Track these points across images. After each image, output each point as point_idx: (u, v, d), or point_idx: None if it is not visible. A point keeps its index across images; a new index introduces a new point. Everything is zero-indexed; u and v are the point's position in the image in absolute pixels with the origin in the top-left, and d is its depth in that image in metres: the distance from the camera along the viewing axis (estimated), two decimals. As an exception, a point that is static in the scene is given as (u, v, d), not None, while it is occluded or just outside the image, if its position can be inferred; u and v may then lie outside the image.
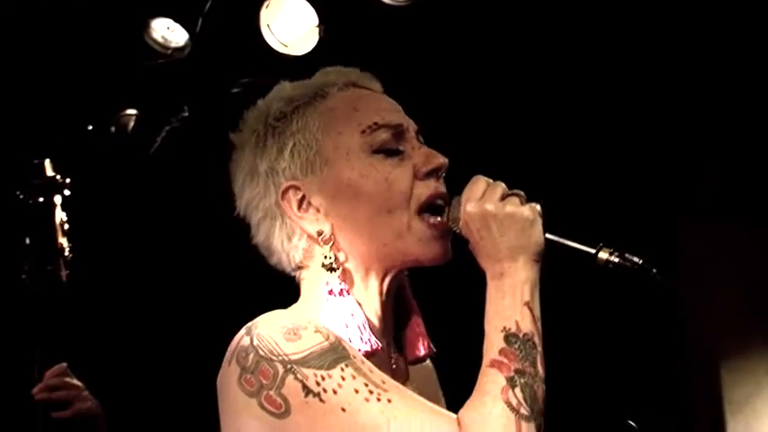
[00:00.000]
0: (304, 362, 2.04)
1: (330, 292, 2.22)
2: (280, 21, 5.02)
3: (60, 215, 3.85)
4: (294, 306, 2.29)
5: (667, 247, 5.63)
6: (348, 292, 2.23)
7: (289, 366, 2.03)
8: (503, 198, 2.18)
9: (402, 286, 2.37)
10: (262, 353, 2.06)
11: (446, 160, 2.28)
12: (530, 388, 2.05)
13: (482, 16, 5.43)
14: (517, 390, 2.03)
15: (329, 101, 2.29)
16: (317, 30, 4.99)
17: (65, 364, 3.74)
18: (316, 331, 2.09)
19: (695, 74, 5.47)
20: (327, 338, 2.09)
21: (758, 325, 5.82)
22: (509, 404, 2.01)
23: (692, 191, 6.01)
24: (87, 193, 4.01)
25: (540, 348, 2.11)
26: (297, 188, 2.25)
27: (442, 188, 2.27)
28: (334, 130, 2.26)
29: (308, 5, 5.01)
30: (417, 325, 2.37)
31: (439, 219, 2.26)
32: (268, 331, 2.09)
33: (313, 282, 2.28)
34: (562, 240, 2.22)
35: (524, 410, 2.02)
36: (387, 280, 2.29)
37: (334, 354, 2.06)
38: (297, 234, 2.28)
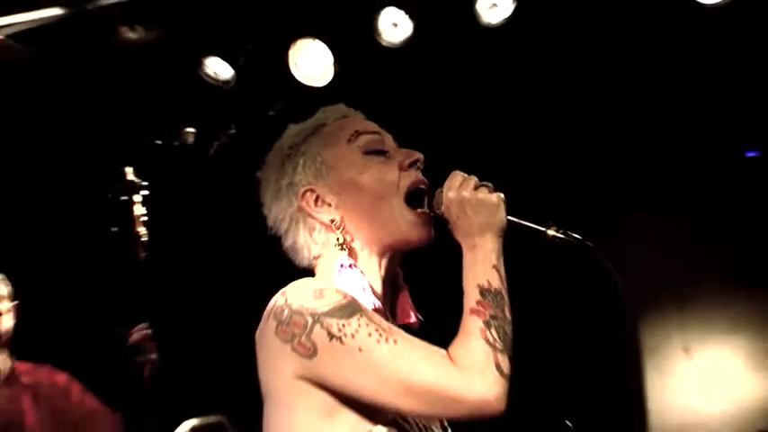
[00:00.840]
0: (328, 314, 2.04)
1: (341, 266, 2.22)
2: (304, 59, 4.96)
3: (139, 210, 3.89)
4: (314, 278, 2.26)
5: (606, 218, 5.64)
6: (355, 265, 2.23)
7: (316, 318, 2.04)
8: (476, 188, 2.21)
9: (396, 273, 2.34)
10: (294, 308, 2.06)
11: (422, 155, 2.29)
12: (502, 329, 2.08)
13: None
14: (492, 330, 2.06)
15: (327, 128, 2.32)
16: (333, 67, 4.94)
17: (146, 324, 3.82)
18: (336, 291, 2.10)
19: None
20: (345, 297, 2.09)
21: (670, 288, 5.70)
22: (487, 340, 2.04)
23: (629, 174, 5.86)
24: (159, 193, 4.00)
25: (506, 300, 2.15)
26: (312, 190, 2.25)
27: (421, 176, 2.28)
28: (332, 145, 2.28)
29: (326, 48, 4.96)
30: (407, 300, 2.36)
31: (423, 210, 2.26)
32: (299, 293, 2.10)
33: (327, 263, 2.26)
34: (520, 221, 2.24)
35: (499, 345, 2.05)
36: (384, 259, 2.29)
37: (351, 308, 2.07)
38: (316, 229, 2.27)
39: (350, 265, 2.22)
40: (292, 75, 4.97)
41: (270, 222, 2.33)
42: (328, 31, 4.97)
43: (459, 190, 2.21)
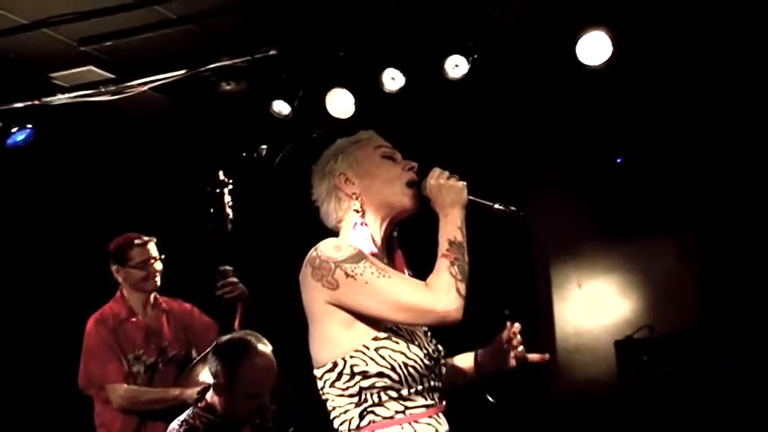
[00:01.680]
0: (344, 261, 2.10)
1: (355, 225, 2.26)
2: (335, 100, 4.92)
3: (227, 199, 3.94)
4: (336, 238, 2.25)
5: (522, 171, 5.58)
6: (365, 224, 2.26)
7: (336, 264, 2.10)
8: (448, 177, 2.25)
9: (393, 236, 2.35)
10: (323, 258, 2.12)
11: (416, 164, 2.33)
12: (462, 267, 2.12)
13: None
14: (455, 267, 2.10)
15: (362, 141, 2.35)
16: (354, 105, 4.91)
17: (230, 268, 3.83)
18: (349, 246, 2.15)
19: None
20: (355, 249, 2.14)
21: (567, 240, 5.62)
22: (451, 273, 2.09)
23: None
24: (241, 189, 4.03)
25: (465, 249, 2.16)
26: (344, 174, 2.28)
27: (415, 176, 2.30)
28: (363, 150, 2.31)
29: (349, 93, 4.90)
30: (401, 259, 2.36)
31: (414, 189, 2.29)
32: (325, 248, 2.14)
33: (347, 224, 2.28)
34: (476, 199, 2.27)
35: (459, 277, 2.09)
36: (385, 223, 2.30)
37: (360, 256, 2.12)
38: (342, 200, 2.29)
39: (362, 224, 2.25)
40: (327, 111, 4.94)
41: (314, 196, 2.35)
42: (351, 83, 4.89)
43: (438, 179, 2.25)
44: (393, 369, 2.11)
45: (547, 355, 2.47)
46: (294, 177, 5.46)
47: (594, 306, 5.69)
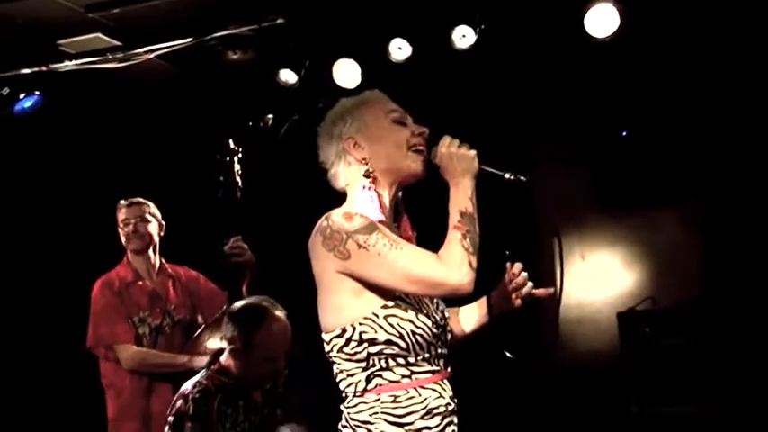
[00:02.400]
0: (356, 232, 2.10)
1: (364, 187, 2.25)
2: (342, 71, 4.95)
3: (236, 166, 3.94)
4: (346, 204, 2.28)
5: (527, 142, 5.52)
6: (374, 189, 2.25)
7: (348, 234, 2.10)
8: (459, 146, 2.24)
9: (398, 199, 2.34)
10: (334, 228, 2.12)
11: (427, 129, 2.31)
12: (473, 239, 2.11)
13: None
14: (467, 240, 2.10)
15: (370, 101, 2.32)
16: (360, 75, 4.93)
17: (239, 237, 3.82)
18: (360, 216, 2.14)
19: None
20: (367, 219, 2.14)
21: (571, 212, 5.52)
22: (463, 246, 2.09)
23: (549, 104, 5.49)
24: (249, 156, 4.01)
25: (476, 220, 2.15)
26: (353, 138, 2.26)
27: (424, 142, 2.29)
28: (372, 114, 2.28)
29: (355, 63, 4.92)
30: (406, 221, 2.36)
31: (423, 154, 2.28)
32: (336, 218, 2.14)
33: (354, 188, 2.27)
34: (487, 168, 2.26)
35: (471, 250, 2.09)
36: (392, 188, 2.30)
37: (372, 227, 2.12)
38: (351, 164, 2.27)
39: (369, 187, 2.25)
40: (334, 81, 4.96)
41: (321, 158, 2.34)
42: (358, 52, 4.93)
43: (449, 147, 2.24)
44: (401, 337, 2.12)
45: (551, 290, 2.51)
46: (301, 147, 5.57)
47: (597, 278, 5.66)
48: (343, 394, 2.21)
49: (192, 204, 4.92)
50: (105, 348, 4.04)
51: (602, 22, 4.50)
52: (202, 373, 3.38)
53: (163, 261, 4.26)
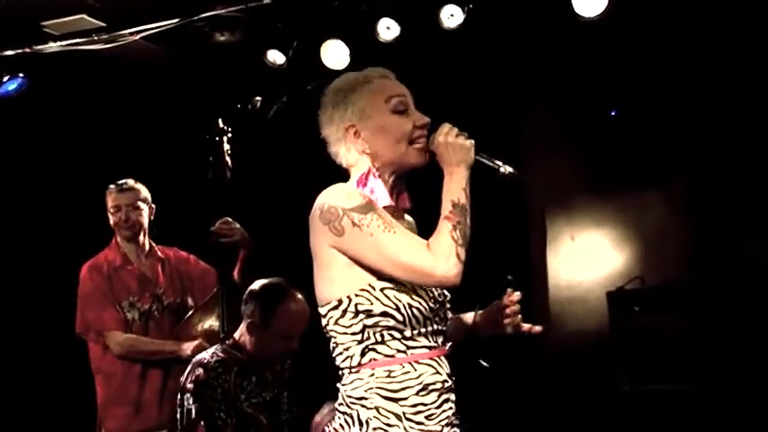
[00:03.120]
0: (352, 210, 2.10)
1: (372, 175, 2.23)
2: (330, 51, 4.91)
3: (226, 146, 3.94)
4: (348, 183, 2.26)
5: (515, 122, 5.50)
6: (377, 177, 2.23)
7: (345, 211, 2.10)
8: (457, 135, 2.21)
9: (401, 188, 2.31)
10: (332, 204, 2.11)
11: (428, 119, 2.27)
12: (463, 231, 2.10)
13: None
14: (457, 231, 2.09)
15: (372, 84, 2.26)
16: (349, 56, 4.88)
17: (229, 218, 3.80)
18: (359, 195, 2.15)
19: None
20: (365, 198, 2.14)
21: (560, 195, 5.58)
22: (453, 237, 2.08)
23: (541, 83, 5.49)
24: (238, 137, 4.01)
25: (468, 212, 2.14)
26: (353, 126, 2.23)
27: (425, 134, 2.24)
28: (373, 101, 2.23)
29: (343, 44, 4.89)
30: (405, 198, 2.31)
31: (422, 146, 2.24)
32: (335, 194, 2.15)
33: (357, 172, 2.26)
34: (483, 159, 2.24)
35: (460, 241, 2.08)
36: (393, 177, 2.27)
37: (369, 207, 2.12)
38: (351, 151, 2.25)
39: (376, 175, 2.24)
40: (322, 62, 4.92)
41: (323, 133, 2.31)
42: (346, 32, 4.89)
43: (446, 136, 2.21)
44: (397, 309, 2.12)
45: (539, 328, 2.43)
46: (288, 129, 5.50)
47: (587, 258, 5.68)
48: (340, 372, 2.21)
49: (181, 185, 4.89)
50: (95, 333, 4.00)
51: (590, 1, 4.48)
52: (217, 346, 3.43)
53: (152, 243, 4.20)
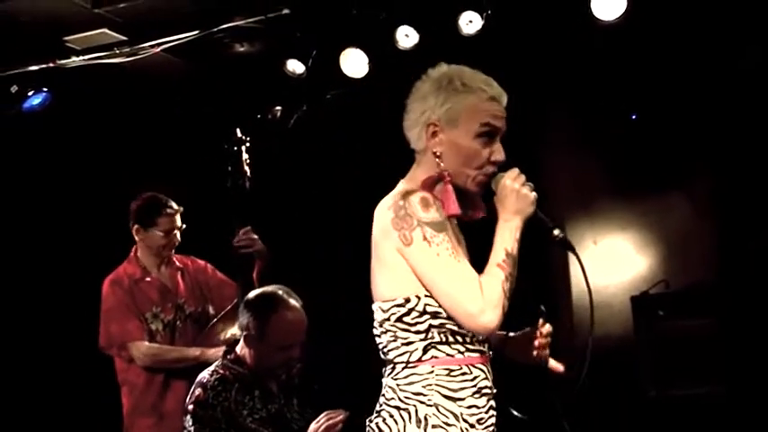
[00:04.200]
0: (427, 224, 2.09)
1: (445, 181, 2.20)
2: (349, 60, 4.90)
3: (245, 156, 3.94)
4: (412, 178, 2.25)
5: (536, 127, 5.35)
6: (450, 183, 2.21)
7: (419, 222, 2.09)
8: (523, 183, 2.19)
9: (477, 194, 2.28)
10: (409, 211, 2.10)
11: (504, 158, 2.24)
12: (512, 284, 2.11)
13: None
14: (508, 283, 2.09)
15: (480, 98, 2.21)
16: (368, 65, 4.87)
17: (249, 227, 3.85)
18: (437, 210, 2.13)
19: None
20: (441, 216, 2.13)
21: (582, 198, 5.53)
22: (503, 289, 2.08)
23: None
24: (257, 146, 4.03)
25: (517, 263, 2.14)
26: (437, 125, 2.20)
27: (495, 171, 2.22)
28: (470, 117, 2.19)
29: (362, 53, 4.88)
30: (480, 207, 2.30)
31: (485, 179, 2.22)
32: (414, 201, 2.11)
33: (428, 171, 2.24)
34: (541, 215, 2.23)
35: (507, 294, 2.09)
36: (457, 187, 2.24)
37: (443, 226, 2.11)
38: (422, 140, 2.23)
39: (447, 181, 2.21)
40: (341, 70, 4.91)
41: (409, 100, 2.27)
42: (364, 41, 4.86)
43: (514, 182, 2.19)
44: None
45: (562, 368, 2.46)
46: (308, 138, 5.50)
47: (610, 263, 5.61)
48: (391, 366, 2.20)
49: (201, 195, 4.88)
50: (118, 348, 4.03)
51: (608, 4, 4.46)
52: (218, 362, 3.39)
53: (170, 253, 4.22)
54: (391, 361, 2.20)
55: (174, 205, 4.14)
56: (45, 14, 4.46)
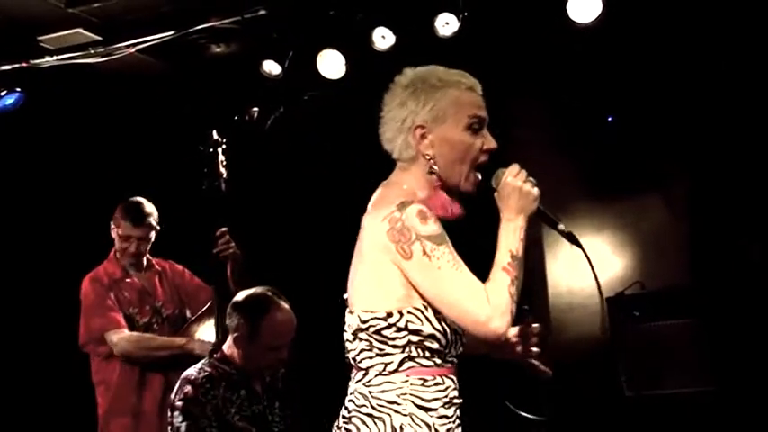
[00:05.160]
0: (427, 237, 2.05)
1: (435, 187, 2.20)
2: (326, 61, 4.91)
3: (221, 157, 3.91)
4: (405, 187, 2.20)
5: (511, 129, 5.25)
6: (441, 188, 2.21)
7: (418, 237, 2.04)
8: (525, 180, 2.17)
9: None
10: (407, 224, 2.05)
11: (496, 145, 2.22)
12: (518, 288, 2.08)
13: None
14: (514, 287, 2.06)
15: (460, 90, 2.20)
16: (345, 66, 4.88)
17: (226, 229, 3.83)
18: (435, 222, 2.08)
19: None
20: (439, 228, 2.08)
21: (558, 200, 5.56)
22: (510, 293, 2.05)
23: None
24: (234, 148, 4.00)
25: (522, 264, 2.11)
26: (423, 127, 2.17)
27: (486, 160, 2.22)
28: (455, 111, 2.18)
29: (339, 54, 4.89)
30: (458, 205, 2.23)
31: (480, 177, 2.21)
32: (412, 213, 2.06)
33: (417, 176, 2.21)
34: (546, 211, 2.21)
35: (515, 298, 2.06)
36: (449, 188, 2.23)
37: (442, 238, 2.07)
38: (410, 147, 2.19)
39: (437, 187, 2.21)
40: (318, 72, 4.92)
41: (383, 114, 2.24)
42: (341, 42, 4.88)
43: (516, 179, 2.16)
44: (444, 334, 2.12)
45: (550, 372, 2.47)
46: (285, 140, 5.48)
47: (586, 264, 5.59)
48: (362, 372, 2.17)
49: (176, 197, 4.86)
50: (96, 342, 4.00)
51: (584, 7, 4.50)
52: (205, 361, 3.41)
53: (149, 256, 4.23)
54: (363, 368, 2.16)
55: (137, 213, 4.09)
56: (19, 14, 4.46)
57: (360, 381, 2.17)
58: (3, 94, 4.80)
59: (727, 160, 5.14)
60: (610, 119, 5.54)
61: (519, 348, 2.43)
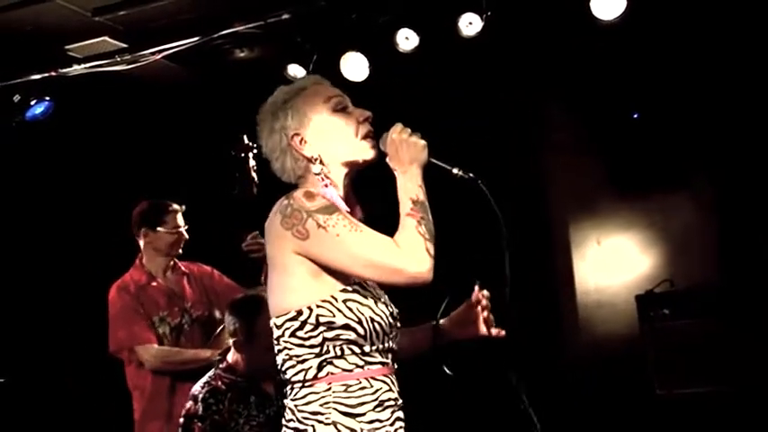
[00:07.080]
0: (317, 211, 2.04)
1: (325, 185, 2.18)
2: (349, 64, 4.92)
3: (251, 162, 3.88)
4: (305, 189, 2.14)
5: (537, 128, 5.49)
6: (332, 185, 2.20)
7: (309, 213, 2.04)
8: (410, 134, 2.17)
9: (350, 191, 2.26)
10: (295, 207, 2.05)
11: (370, 113, 2.25)
12: (428, 226, 2.07)
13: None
14: (422, 227, 2.05)
15: (307, 90, 2.26)
16: (369, 68, 4.87)
17: (257, 232, 3.75)
18: (321, 197, 2.09)
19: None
20: (328, 200, 2.10)
21: (585, 199, 5.53)
22: (419, 233, 2.05)
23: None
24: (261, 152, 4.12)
25: (428, 207, 2.11)
26: (298, 134, 2.20)
27: (371, 127, 2.23)
28: (312, 104, 2.23)
29: (363, 56, 4.90)
30: (353, 200, 2.26)
31: (373, 142, 2.21)
32: (298, 196, 2.08)
33: (307, 181, 2.22)
34: (436, 161, 2.21)
35: (427, 236, 2.05)
36: (346, 178, 2.24)
37: (332, 208, 2.07)
38: (300, 159, 2.20)
39: (327, 184, 2.19)
40: (342, 74, 4.92)
41: (264, 150, 2.28)
42: (364, 44, 4.89)
43: (400, 134, 2.18)
44: (360, 323, 2.08)
45: (503, 332, 2.38)
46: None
47: (614, 262, 5.65)
48: (289, 387, 2.15)
49: (208, 201, 4.88)
50: (128, 351, 4.06)
51: (608, 4, 4.50)
52: (210, 373, 3.39)
53: (175, 260, 4.26)
54: (289, 381, 2.14)
55: (176, 205, 4.21)
56: (47, 24, 4.51)
57: (288, 396, 2.15)
58: (33, 103, 4.85)
59: (755, 159, 5.15)
60: (635, 116, 5.52)
61: (482, 318, 2.39)
